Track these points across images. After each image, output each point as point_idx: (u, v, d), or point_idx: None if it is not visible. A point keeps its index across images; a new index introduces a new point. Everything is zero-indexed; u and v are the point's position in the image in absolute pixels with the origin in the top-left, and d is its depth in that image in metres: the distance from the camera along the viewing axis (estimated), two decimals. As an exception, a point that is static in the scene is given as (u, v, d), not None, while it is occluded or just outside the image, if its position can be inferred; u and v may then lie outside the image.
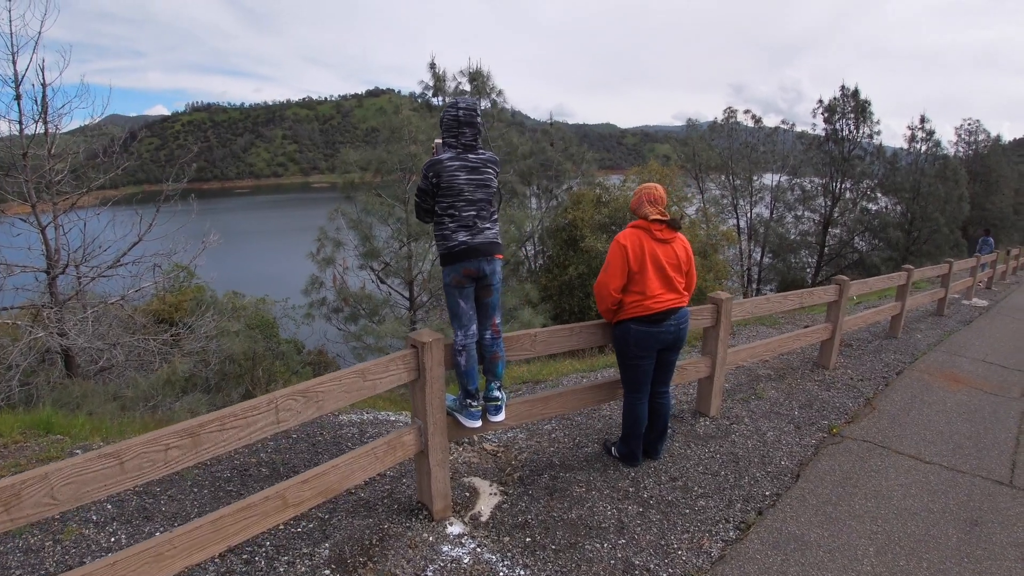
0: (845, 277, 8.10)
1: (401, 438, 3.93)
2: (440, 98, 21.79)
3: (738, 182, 42.55)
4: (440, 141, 4.01)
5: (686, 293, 4.83)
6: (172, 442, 2.75)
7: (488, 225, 4.00)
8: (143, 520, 4.07)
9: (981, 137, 58.12)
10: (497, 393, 4.31)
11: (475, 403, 4.22)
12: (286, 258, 19.70)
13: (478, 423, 4.26)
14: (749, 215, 42.88)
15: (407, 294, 18.33)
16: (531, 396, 4.96)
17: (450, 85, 21.72)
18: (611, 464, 5.15)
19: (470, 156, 3.93)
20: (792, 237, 42.23)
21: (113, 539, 3.86)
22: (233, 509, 3.11)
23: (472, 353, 4.11)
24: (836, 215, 42.56)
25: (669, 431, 5.55)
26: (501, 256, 4.11)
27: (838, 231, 43.28)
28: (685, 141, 45.20)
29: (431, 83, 21.84)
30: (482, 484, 4.73)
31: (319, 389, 3.38)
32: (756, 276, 40.53)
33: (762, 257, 41.09)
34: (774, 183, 43.97)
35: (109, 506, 4.22)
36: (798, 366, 8.33)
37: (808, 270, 39.86)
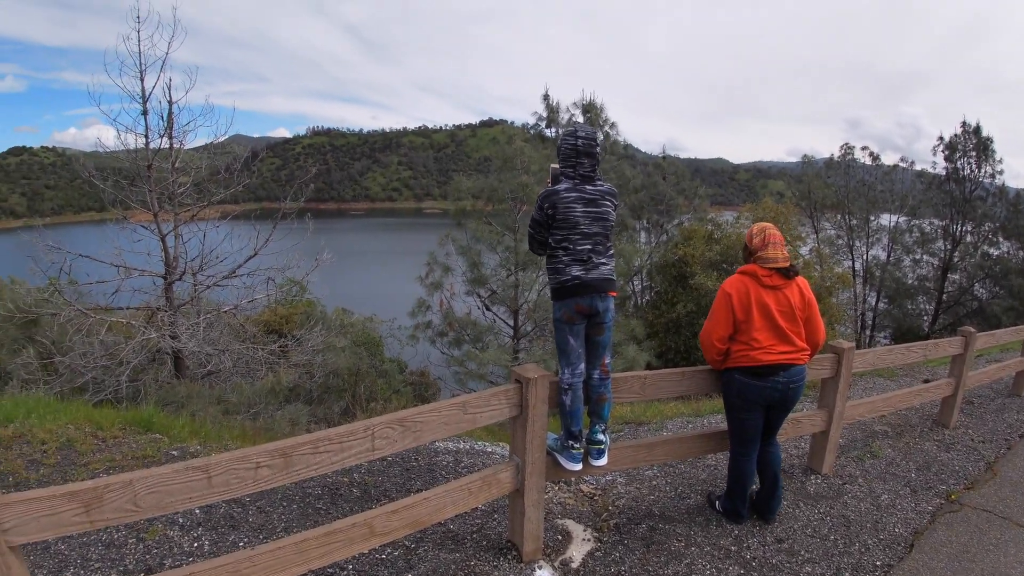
0: (972, 328, 7.64)
1: (497, 475, 3.85)
2: (553, 129, 21.82)
3: (854, 222, 41.29)
4: (556, 167, 3.90)
5: (804, 346, 4.44)
6: (263, 461, 2.77)
7: (604, 260, 3.88)
8: (229, 528, 4.13)
9: (1110, 177, 55.19)
10: (601, 436, 4.15)
11: (577, 445, 4.06)
12: (396, 280, 20.11)
13: (578, 466, 4.10)
14: (865, 257, 41.52)
15: (512, 322, 18.33)
16: (635, 441, 4.82)
17: (563, 117, 21.74)
18: (714, 519, 4.92)
19: (587, 187, 3.81)
20: (909, 282, 40.65)
21: (196, 544, 3.93)
22: (319, 533, 3.11)
23: (578, 393, 3.97)
24: (956, 259, 40.79)
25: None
26: (615, 293, 3.98)
27: (957, 277, 41.44)
28: (799, 178, 44.28)
29: (544, 114, 21.91)
30: (576, 528, 4.60)
31: (418, 419, 3.34)
32: (870, 322, 39.14)
33: (877, 302, 39.65)
34: (892, 224, 42.49)
35: (197, 511, 4.31)
36: (916, 423, 7.85)
37: (925, 317, 38.27)
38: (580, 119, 21.66)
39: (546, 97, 21.65)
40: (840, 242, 40.92)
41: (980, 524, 5.29)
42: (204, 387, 10.94)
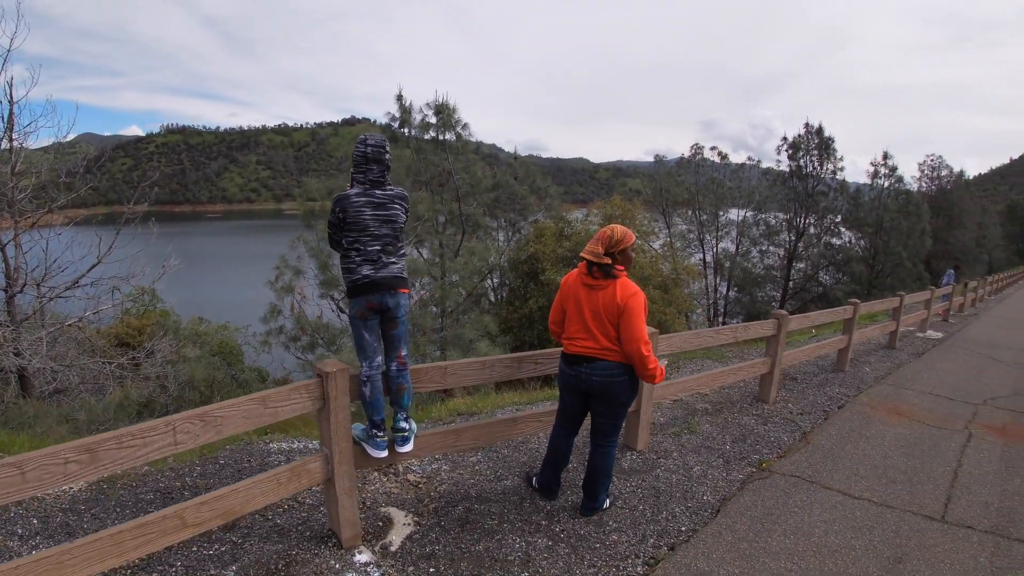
0: (784, 311, 8.10)
1: (306, 465, 3.90)
2: (407, 130, 21.83)
3: (704, 217, 43.02)
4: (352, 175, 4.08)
5: (610, 345, 4.46)
6: (71, 456, 2.83)
7: (393, 260, 4.07)
8: (65, 536, 4.13)
9: (944, 173, 59.67)
10: (404, 424, 4.33)
11: (381, 433, 4.22)
12: (254, 285, 19.70)
13: (384, 453, 4.25)
14: (715, 250, 43.30)
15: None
16: (443, 428, 4.96)
17: (416, 117, 21.72)
18: (528, 498, 5.09)
19: (377, 192, 3.99)
20: (757, 271, 42.76)
21: (35, 551, 3.85)
22: (133, 525, 3.16)
23: (377, 384, 4.14)
24: (800, 250, 43.13)
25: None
26: (407, 290, 4.16)
27: (803, 265, 43.86)
28: (653, 176, 45.79)
29: (398, 115, 21.89)
30: (398, 514, 4.70)
31: (217, 414, 3.38)
32: (722, 310, 40.84)
33: (728, 291, 41.44)
34: (740, 218, 44.53)
35: (35, 520, 4.27)
36: (737, 400, 8.29)
37: (774, 304, 40.15)
38: (433, 120, 21.74)
39: (400, 97, 21.63)
40: (691, 236, 42.56)
41: (787, 488, 5.65)
42: (52, 406, 10.50)
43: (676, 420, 7.32)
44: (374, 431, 4.19)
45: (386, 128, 22.65)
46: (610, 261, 4.44)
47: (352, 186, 4.02)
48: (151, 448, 3.12)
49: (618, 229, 4.54)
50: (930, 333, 15.96)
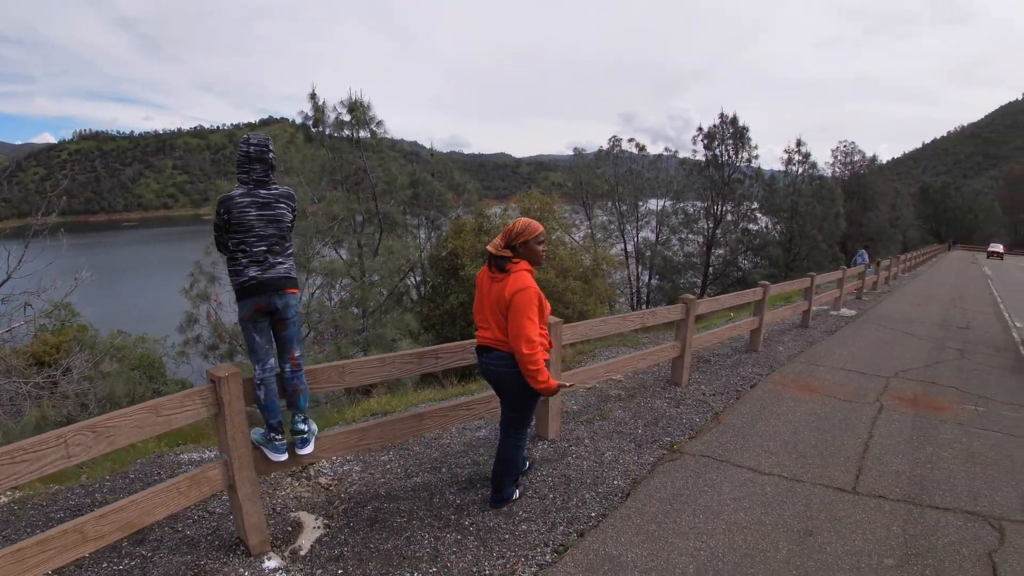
0: (692, 296, 8.21)
1: (205, 473, 3.83)
2: (320, 128, 21.60)
3: (624, 208, 43.52)
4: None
5: (503, 336, 4.47)
6: None
7: (280, 260, 3.99)
8: None
9: (857, 158, 61.49)
10: (302, 426, 4.28)
11: (279, 436, 4.15)
12: (171, 294, 19.15)
13: (283, 456, 4.19)
14: (636, 239, 43.82)
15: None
16: (347, 428, 4.91)
17: (330, 116, 21.50)
18: (438, 493, 5.08)
19: (261, 192, 3.93)
20: (678, 259, 43.40)
21: None
22: (33, 541, 3.10)
23: (271, 387, 4.06)
24: (719, 236, 43.94)
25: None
26: (295, 290, 4.07)
27: (722, 251, 44.71)
28: (573, 169, 46.18)
29: (311, 113, 21.61)
30: (308, 518, 4.66)
31: (108, 424, 3.31)
32: (645, 298, 41.34)
33: (650, 279, 41.95)
34: (659, 208, 45.16)
35: None
36: (651, 385, 8.39)
37: (696, 290, 40.81)
38: (347, 118, 21.54)
39: (313, 96, 21.35)
40: (612, 227, 43.04)
41: (697, 469, 5.74)
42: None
43: (589, 407, 7.37)
44: (272, 435, 4.12)
45: (300, 127, 22.38)
46: (510, 254, 4.43)
47: (237, 187, 3.95)
48: (44, 462, 3.07)
49: (520, 222, 4.52)
50: (844, 311, 16.40)
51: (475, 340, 4.82)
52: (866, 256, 22.64)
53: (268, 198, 3.94)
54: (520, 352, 4.26)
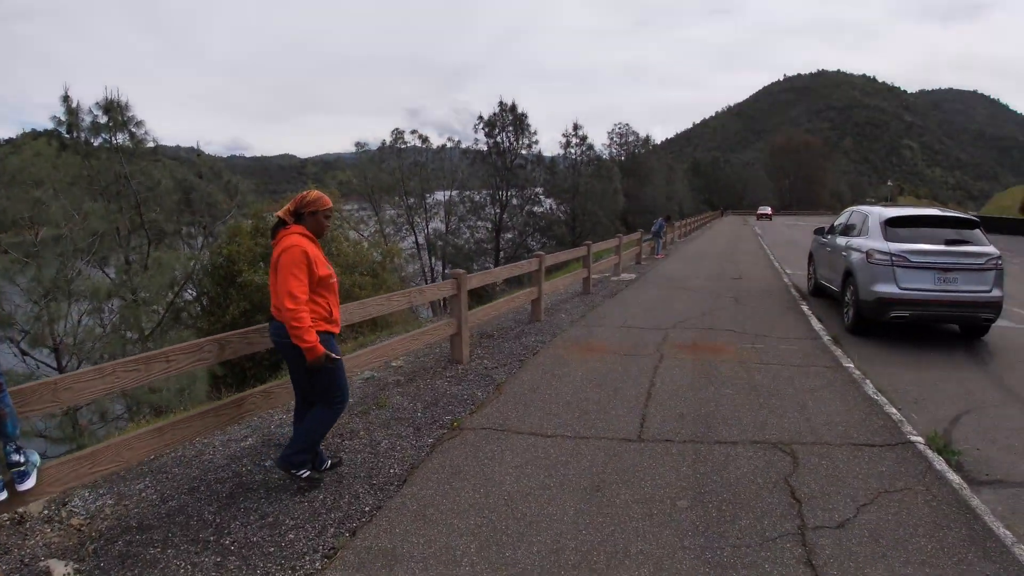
0: (462, 271, 7.93)
1: None
2: (76, 134, 19.84)
3: (412, 201, 43.45)
4: None
5: (276, 303, 4.33)
6: None
7: None
8: None
9: (631, 139, 64.77)
10: (16, 456, 3.50)
11: None
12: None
13: (2, 495, 3.46)
14: (427, 231, 43.90)
15: (54, 364, 16.29)
16: (75, 454, 4.19)
17: (86, 119, 19.78)
18: (194, 515, 4.43)
19: None
20: (469, 246, 43.84)
21: None
22: None
23: None
24: (506, 221, 44.74)
25: (271, 462, 5.17)
26: None
27: (511, 235, 45.56)
28: (356, 165, 45.68)
29: (65, 118, 19.77)
30: (57, 565, 3.96)
31: None
32: (440, 287, 41.54)
33: (444, 268, 42.05)
34: (446, 198, 45.44)
35: None
36: (432, 366, 8.00)
37: (488, 275, 41.35)
38: (103, 119, 19.93)
39: (66, 98, 19.54)
40: (402, 220, 42.88)
41: (477, 442, 5.44)
42: None
43: (366, 398, 6.85)
44: None
45: (52, 133, 20.52)
46: (293, 220, 4.45)
47: None
48: None
49: (313, 192, 4.57)
50: (624, 276, 16.88)
51: (212, 338, 4.70)
52: (663, 224, 24.57)
53: None
54: (284, 308, 4.15)
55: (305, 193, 4.51)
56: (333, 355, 4.43)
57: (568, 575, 3.51)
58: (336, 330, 4.62)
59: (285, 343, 4.36)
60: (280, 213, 4.48)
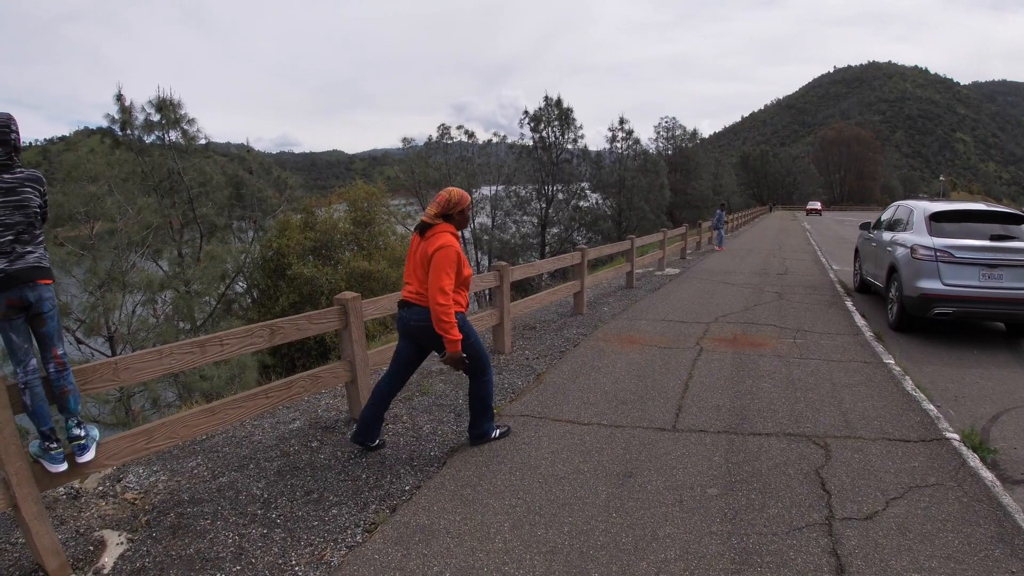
0: (505, 263, 8.11)
1: (-21, 493, 3.36)
2: (129, 131, 20.28)
3: (459, 195, 43.64)
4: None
5: (423, 291, 4.79)
6: None
7: (30, 249, 3.54)
8: None
9: (678, 132, 64.23)
10: (78, 431, 3.77)
11: (55, 445, 3.65)
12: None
13: (63, 467, 3.68)
14: (473, 225, 44.01)
15: (108, 352, 16.74)
16: (133, 430, 4.42)
17: (139, 117, 20.20)
18: (243, 491, 4.67)
19: (5, 176, 3.48)
20: (515, 241, 43.88)
21: None
22: None
23: (37, 391, 3.57)
24: (552, 215, 44.76)
25: (317, 443, 5.46)
26: (48, 281, 3.63)
27: (556, 230, 45.60)
28: (403, 160, 46.07)
29: (118, 116, 20.24)
30: (112, 535, 4.21)
31: None
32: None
33: (489, 262, 42.20)
34: (492, 193, 45.58)
35: None
36: (474, 355, 8.18)
37: (534, 269, 41.46)
38: (156, 117, 20.35)
39: (119, 97, 20.00)
40: (448, 214, 43.17)
41: (515, 428, 5.60)
42: None
43: (410, 385, 7.02)
44: (47, 444, 3.66)
45: (107, 132, 21.00)
46: (440, 221, 4.84)
47: None
48: None
49: (455, 192, 4.91)
50: (668, 271, 16.91)
51: (263, 324, 5.02)
52: (722, 214, 24.81)
53: (12, 182, 3.50)
54: (435, 303, 4.57)
55: (447, 195, 4.85)
56: (463, 356, 4.84)
57: (597, 555, 3.63)
58: (465, 312, 5.07)
59: (424, 327, 4.81)
60: (426, 217, 4.84)
